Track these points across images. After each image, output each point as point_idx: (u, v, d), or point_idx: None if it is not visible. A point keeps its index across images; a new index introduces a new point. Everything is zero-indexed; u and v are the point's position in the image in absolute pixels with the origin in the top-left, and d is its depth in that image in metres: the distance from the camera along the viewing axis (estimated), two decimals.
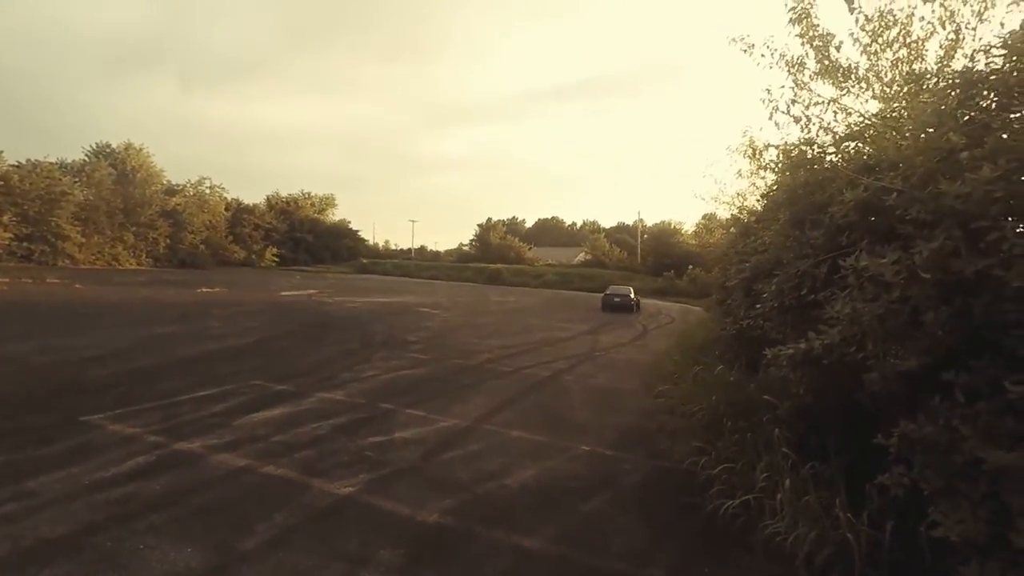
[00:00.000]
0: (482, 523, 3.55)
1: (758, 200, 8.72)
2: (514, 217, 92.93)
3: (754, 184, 10.60)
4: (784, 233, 3.62)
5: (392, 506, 3.71)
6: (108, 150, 46.94)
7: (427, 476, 4.31)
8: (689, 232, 65.58)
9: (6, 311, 13.46)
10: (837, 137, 4.62)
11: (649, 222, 75.37)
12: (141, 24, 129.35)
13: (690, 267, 45.03)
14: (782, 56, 6.46)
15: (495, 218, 79.32)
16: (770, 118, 5.85)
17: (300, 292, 25.37)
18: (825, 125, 5.87)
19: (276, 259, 57.65)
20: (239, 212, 56.26)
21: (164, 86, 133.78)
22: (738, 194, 11.79)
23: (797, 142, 5.48)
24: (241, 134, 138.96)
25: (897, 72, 5.86)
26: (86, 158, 45.47)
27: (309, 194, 71.20)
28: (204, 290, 23.28)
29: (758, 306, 4.21)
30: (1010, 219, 1.76)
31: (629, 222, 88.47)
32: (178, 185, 51.22)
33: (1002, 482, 1.67)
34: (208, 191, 52.95)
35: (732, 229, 9.10)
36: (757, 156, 9.37)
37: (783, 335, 3.73)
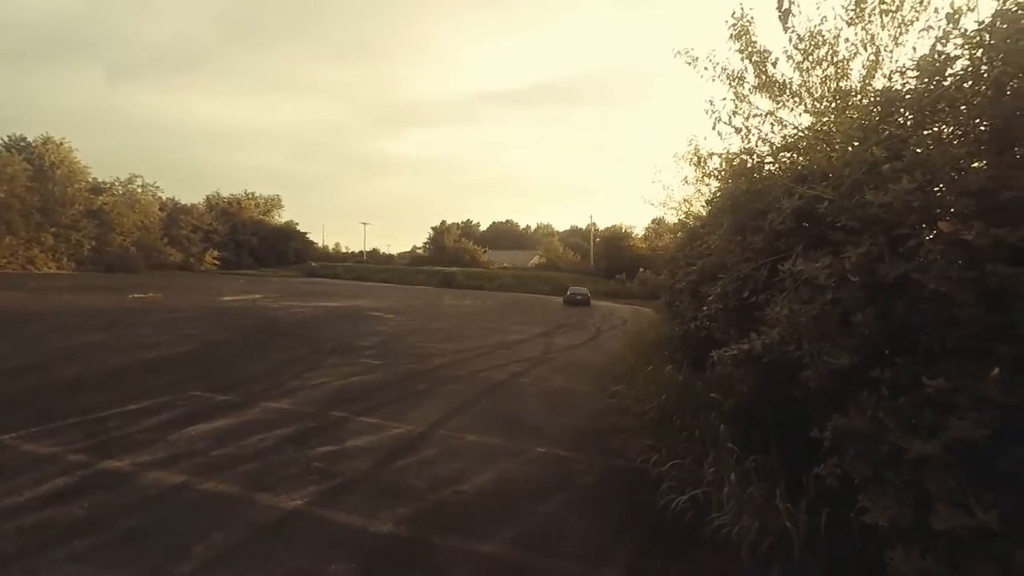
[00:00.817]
0: (438, 531, 3.49)
1: (703, 206, 9.12)
2: (469, 220, 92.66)
3: (699, 190, 11.09)
4: (727, 238, 3.80)
5: (344, 518, 3.58)
6: (23, 143, 42.96)
7: (380, 485, 4.20)
8: (639, 236, 67.80)
9: None
10: (774, 148, 4.90)
11: (602, 226, 77.20)
12: (66, 8, 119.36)
13: (641, 270, 46.50)
14: (723, 69, 6.81)
15: (449, 221, 78.70)
16: (713, 128, 6.14)
17: (244, 297, 24.15)
18: (763, 136, 6.22)
19: (217, 262, 54.69)
20: (175, 212, 52.96)
21: (90, 76, 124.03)
22: (685, 200, 12.32)
23: (738, 151, 5.79)
24: (177, 131, 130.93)
25: (826, 88, 6.29)
26: None
27: (253, 195, 68.25)
28: (136, 295, 21.73)
29: (704, 308, 4.40)
30: (925, 226, 1.93)
31: (583, 226, 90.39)
32: (105, 183, 47.62)
33: (922, 470, 1.82)
34: (140, 190, 49.59)
35: (679, 234, 9.46)
36: (702, 164, 9.82)
37: (727, 335, 3.90)
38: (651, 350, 8.89)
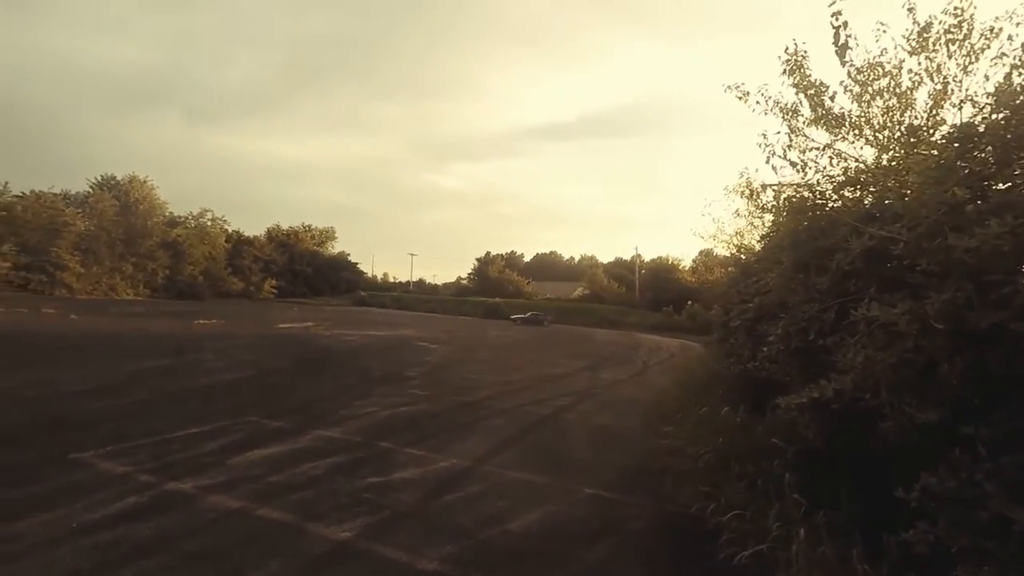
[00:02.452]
0: (483, 572, 3.41)
1: (757, 240, 8.83)
2: (512, 251, 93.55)
3: (751, 224, 10.77)
4: (788, 276, 3.65)
5: (391, 553, 3.57)
6: (113, 182, 47.51)
7: (427, 520, 4.17)
8: (687, 268, 66.22)
9: None
10: (835, 182, 4.72)
11: (647, 257, 76.00)
12: (151, 61, 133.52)
13: (689, 303, 45.17)
14: (776, 103, 6.69)
15: (493, 252, 79.86)
16: (767, 162, 5.98)
17: (298, 325, 25.22)
18: (821, 170, 6.01)
19: (274, 291, 57.63)
20: (239, 244, 56.59)
21: (171, 120, 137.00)
22: (736, 233, 11.97)
23: (796, 185, 5.62)
24: (245, 168, 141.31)
25: (889, 119, 6.05)
26: (90, 189, 45.98)
27: (310, 227, 71.90)
28: (201, 322, 23.14)
29: (764, 348, 4.20)
30: (1020, 272, 1.78)
31: (627, 257, 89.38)
32: (180, 217, 51.70)
33: None
34: (209, 223, 53.44)
35: (731, 268, 9.17)
36: (755, 197, 9.55)
37: (790, 377, 3.70)
38: (702, 388, 8.52)
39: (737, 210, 11.00)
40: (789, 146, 5.81)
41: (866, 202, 3.48)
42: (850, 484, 3.22)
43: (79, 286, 38.47)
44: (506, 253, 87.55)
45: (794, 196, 4.53)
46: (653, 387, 12.62)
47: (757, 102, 6.72)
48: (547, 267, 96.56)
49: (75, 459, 4.96)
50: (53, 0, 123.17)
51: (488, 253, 77.94)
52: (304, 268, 64.02)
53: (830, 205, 3.83)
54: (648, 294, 58.14)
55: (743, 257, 9.52)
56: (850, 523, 3.07)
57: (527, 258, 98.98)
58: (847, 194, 3.94)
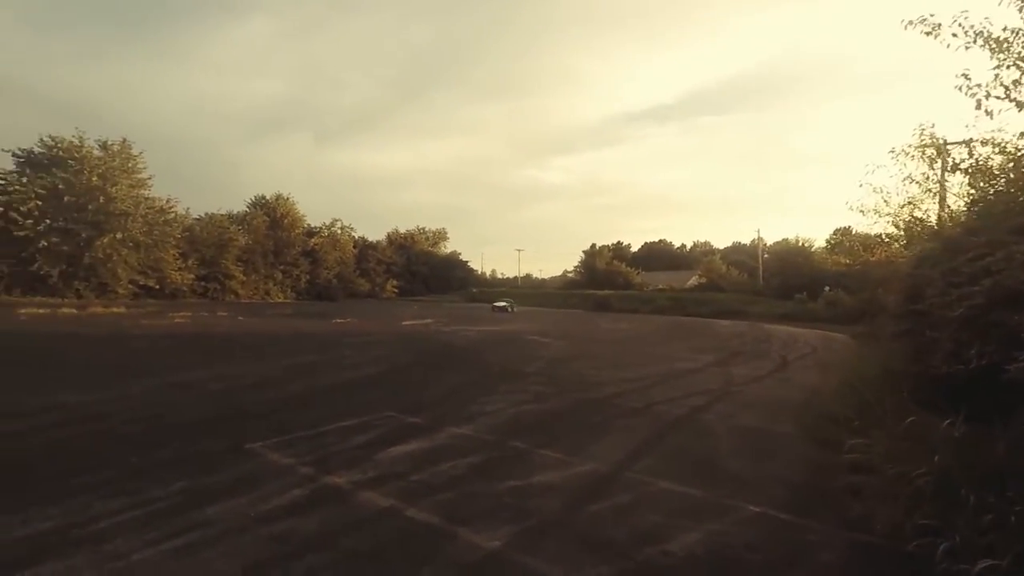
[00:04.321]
0: None
1: (958, 209, 7.18)
2: (619, 242, 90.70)
3: (929, 191, 8.88)
4: None
5: (546, 568, 3.32)
6: (263, 200, 54.70)
7: (576, 532, 3.87)
8: (821, 250, 58.86)
9: (189, 342, 15.78)
10: None
11: (769, 240, 69.08)
12: (287, 92, 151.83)
13: (826, 288, 40.03)
14: (979, 34, 5.31)
15: (600, 243, 78.11)
16: (978, 107, 4.72)
17: (418, 322, 26.77)
18: None
19: (396, 290, 62.38)
20: (365, 249, 62.09)
21: (303, 142, 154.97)
22: (908, 202, 9.94)
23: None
24: (363, 178, 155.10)
25: None
26: (247, 209, 53.40)
27: (424, 229, 76.49)
28: (337, 320, 25.56)
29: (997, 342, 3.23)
30: None
31: (746, 241, 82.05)
32: (316, 227, 57.94)
33: None
34: (340, 231, 59.31)
35: (926, 243, 7.52)
36: (936, 158, 7.83)
37: None
38: (876, 389, 7.18)
39: (909, 175, 9.11)
40: (1017, 82, 4.51)
41: None
42: None
43: (242, 292, 45.03)
44: (613, 244, 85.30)
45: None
46: (801, 386, 11.13)
47: (954, 35, 5.39)
48: (657, 256, 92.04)
49: (249, 449, 5.49)
50: (209, 50, 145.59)
51: (594, 245, 76.54)
52: (421, 268, 68.37)
53: None
54: (774, 280, 52.70)
55: (920, 231, 7.85)
56: None
57: (635, 248, 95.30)
58: None
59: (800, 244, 55.74)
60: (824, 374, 12.71)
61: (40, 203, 33.59)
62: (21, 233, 32.71)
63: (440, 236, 78.63)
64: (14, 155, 35.80)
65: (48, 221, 33.83)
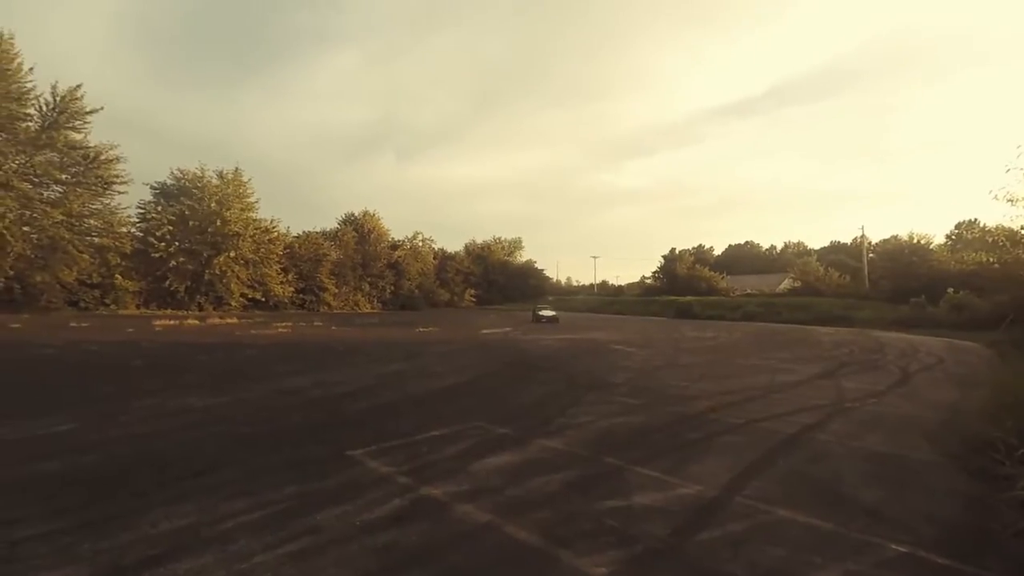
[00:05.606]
0: None
1: None
2: (700, 245, 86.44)
3: None
4: None
5: None
6: (352, 217, 58.54)
7: (689, 564, 3.56)
8: (941, 247, 52.28)
9: (290, 350, 17.09)
10: None
11: (875, 238, 62.36)
12: (372, 115, 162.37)
13: (950, 291, 35.30)
14: None
15: (679, 248, 74.85)
16: None
17: (497, 330, 27.08)
18: None
19: (474, 299, 63.94)
20: (444, 260, 64.36)
21: (386, 161, 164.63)
22: None
23: None
24: (440, 192, 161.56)
25: None
26: (338, 225, 57.39)
27: (500, 239, 77.81)
28: (421, 329, 26.51)
29: None
30: None
31: (846, 240, 74.64)
32: (399, 241, 60.97)
33: None
34: (421, 244, 61.99)
35: None
36: None
37: None
38: None
39: None
40: None
41: None
42: None
43: (335, 303, 48.37)
44: (694, 248, 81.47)
45: None
46: (933, 404, 9.75)
47: None
48: (742, 259, 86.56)
49: (350, 456, 5.71)
50: (305, 82, 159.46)
51: (674, 249, 73.59)
52: (497, 277, 69.55)
53: None
54: (884, 283, 47.35)
55: None
56: None
57: (717, 251, 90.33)
58: None
59: (915, 241, 49.67)
60: (962, 390, 11.08)
61: (171, 228, 38.47)
62: (156, 254, 37.58)
63: (515, 245, 79.53)
64: (151, 187, 41.37)
65: (177, 243, 38.63)
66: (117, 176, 34.97)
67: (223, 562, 3.38)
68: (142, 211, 40.44)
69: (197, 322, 28.59)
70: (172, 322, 27.37)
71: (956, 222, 67.85)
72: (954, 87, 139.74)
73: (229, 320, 31.01)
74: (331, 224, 58.38)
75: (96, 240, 34.36)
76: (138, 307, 37.50)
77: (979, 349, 19.60)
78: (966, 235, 61.79)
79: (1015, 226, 11.52)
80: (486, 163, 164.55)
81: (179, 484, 4.77)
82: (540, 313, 36.23)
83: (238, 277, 40.75)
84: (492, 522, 4.10)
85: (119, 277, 35.86)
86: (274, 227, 45.13)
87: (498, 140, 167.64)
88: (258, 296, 42.37)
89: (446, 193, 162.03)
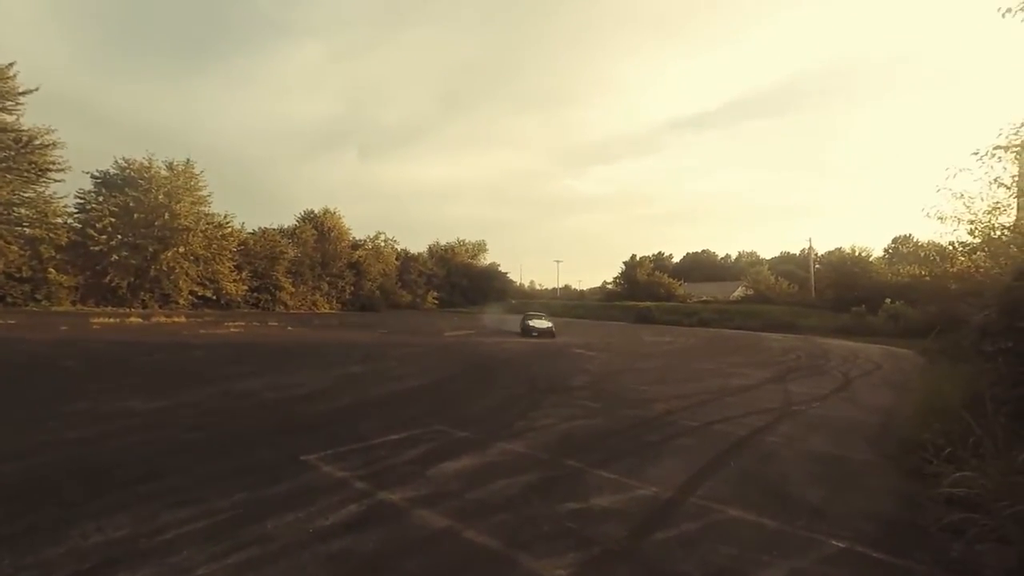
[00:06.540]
0: None
1: None
2: (660, 252, 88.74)
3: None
4: None
5: None
6: (312, 215, 56.81)
7: (645, 564, 3.62)
8: (880, 260, 55.79)
9: (243, 351, 16.37)
10: None
11: (821, 250, 65.89)
12: (335, 110, 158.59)
13: (887, 301, 37.78)
14: None
15: (640, 254, 76.70)
16: None
17: (460, 333, 26.89)
18: None
19: (436, 301, 63.19)
20: (406, 261, 63.31)
21: (348, 159, 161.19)
22: (995, 207, 9.07)
23: None
24: (405, 192, 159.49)
25: None
26: (297, 222, 55.57)
27: (464, 241, 77.35)
28: (381, 332, 25.98)
29: None
30: None
31: (795, 251, 78.50)
32: (360, 240, 59.59)
33: None
34: (383, 244, 60.74)
35: (1012, 251, 6.87)
36: None
37: None
38: (968, 412, 6.52)
39: (996, 178, 8.34)
40: None
41: None
42: None
43: (291, 302, 46.68)
44: (653, 255, 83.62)
45: None
46: (871, 407, 10.37)
47: None
48: (699, 267, 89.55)
49: (304, 461, 5.51)
50: (266, 74, 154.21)
51: (635, 256, 75.27)
52: (460, 280, 69.05)
53: None
54: (828, 292, 50.11)
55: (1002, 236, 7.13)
56: None
57: (676, 258, 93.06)
58: None
59: (856, 254, 52.82)
60: (897, 394, 11.83)
61: (113, 220, 36.11)
62: (96, 248, 35.20)
63: (479, 248, 79.29)
64: (92, 176, 38.71)
65: (119, 236, 36.30)
66: (53, 163, 32.57)
67: (162, 575, 3.18)
68: (81, 201, 37.77)
69: (140, 320, 26.96)
70: (112, 320, 25.68)
71: (893, 236, 72.86)
72: (895, 110, 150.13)
73: (176, 319, 29.38)
74: (290, 221, 56.54)
75: (27, 231, 31.89)
76: (74, 304, 34.96)
77: (912, 356, 21.00)
78: (902, 249, 66.39)
79: (944, 242, 12.44)
80: (452, 164, 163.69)
81: (115, 493, 4.46)
82: (531, 324, 27.20)
83: (187, 274, 38.70)
84: (451, 527, 4.05)
85: (53, 271, 33.32)
86: (228, 222, 43.19)
87: (465, 142, 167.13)
88: (209, 294, 40.37)
89: (410, 193, 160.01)
